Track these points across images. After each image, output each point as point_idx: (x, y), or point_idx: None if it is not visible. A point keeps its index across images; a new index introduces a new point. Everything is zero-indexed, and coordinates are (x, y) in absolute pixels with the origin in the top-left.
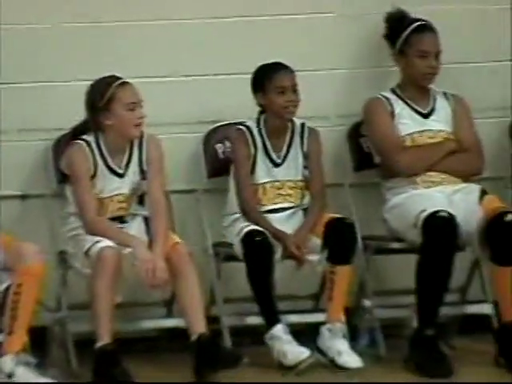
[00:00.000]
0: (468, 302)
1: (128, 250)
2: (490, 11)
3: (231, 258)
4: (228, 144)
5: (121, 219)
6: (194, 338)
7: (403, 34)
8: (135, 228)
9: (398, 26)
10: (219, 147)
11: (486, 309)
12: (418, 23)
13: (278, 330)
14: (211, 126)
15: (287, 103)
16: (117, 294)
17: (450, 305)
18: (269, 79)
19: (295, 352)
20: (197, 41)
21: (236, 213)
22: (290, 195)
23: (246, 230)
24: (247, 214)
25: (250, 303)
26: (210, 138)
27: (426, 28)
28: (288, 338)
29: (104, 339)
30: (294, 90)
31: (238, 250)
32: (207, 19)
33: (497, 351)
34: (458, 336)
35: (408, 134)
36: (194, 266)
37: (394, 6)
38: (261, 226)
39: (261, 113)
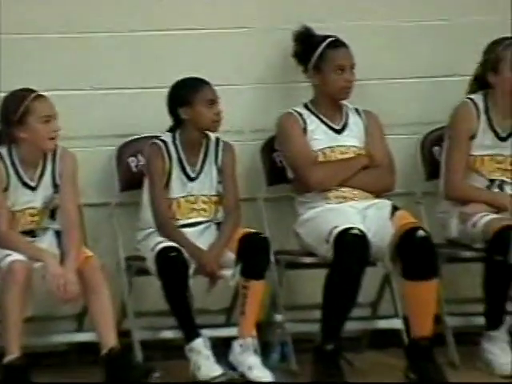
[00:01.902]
0: (379, 317)
1: (39, 263)
2: (403, 27)
3: (143, 271)
4: (141, 158)
5: (32, 233)
6: (104, 352)
7: (317, 50)
8: (46, 242)
9: (308, 44)
10: (132, 161)
11: (397, 324)
12: (332, 39)
13: (198, 343)
14: (125, 140)
15: (217, 116)
16: (26, 307)
17: (361, 319)
18: (196, 92)
19: (208, 368)
20: (111, 54)
21: (150, 227)
22: (204, 210)
23: (160, 245)
24: (162, 228)
25: (162, 317)
26: (123, 152)
27: (339, 43)
28: (206, 352)
29: (13, 353)
30: (218, 103)
31: (151, 264)
32: (121, 33)
33: (407, 366)
34: (368, 351)
35: (320, 150)
36: (106, 279)
37: (301, 24)
38: (175, 241)
39: (174, 127)
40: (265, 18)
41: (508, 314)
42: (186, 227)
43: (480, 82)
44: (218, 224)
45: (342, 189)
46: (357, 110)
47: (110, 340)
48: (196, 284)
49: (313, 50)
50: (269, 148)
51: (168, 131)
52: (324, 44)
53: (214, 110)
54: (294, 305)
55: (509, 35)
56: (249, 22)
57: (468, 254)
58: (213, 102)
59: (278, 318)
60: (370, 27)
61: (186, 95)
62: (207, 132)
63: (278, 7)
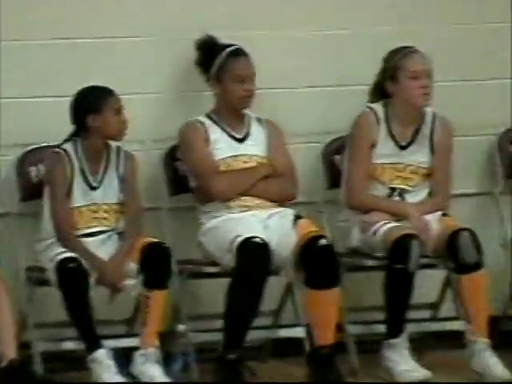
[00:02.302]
0: (281, 326)
1: None
2: (304, 37)
3: (44, 282)
4: (42, 167)
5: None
6: (3, 364)
7: (217, 59)
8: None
9: (210, 53)
10: (33, 170)
11: (299, 332)
12: (232, 48)
13: (100, 354)
14: (25, 149)
15: (123, 125)
16: None
17: (264, 328)
18: (105, 100)
19: (110, 379)
20: (13, 62)
21: (50, 238)
22: (105, 219)
23: (60, 256)
24: (62, 238)
25: (63, 328)
26: (23, 161)
27: (240, 52)
28: (108, 363)
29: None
30: (123, 112)
31: (51, 275)
32: (25, 41)
33: (308, 374)
34: (271, 359)
35: (223, 159)
36: (6, 290)
37: (205, 33)
38: (76, 251)
39: (75, 135)
40: (169, 27)
41: (408, 322)
42: (88, 236)
43: (380, 91)
44: (120, 233)
45: (245, 198)
46: (259, 120)
47: (10, 352)
48: (97, 294)
49: (214, 59)
50: (171, 157)
51: (67, 140)
52: (224, 53)
53: (121, 118)
54: (196, 314)
55: (407, 44)
56: (152, 31)
57: (369, 262)
58: (119, 110)
59: (181, 327)
60: (271, 36)
61: (95, 103)
62: (109, 141)
63: (182, 17)
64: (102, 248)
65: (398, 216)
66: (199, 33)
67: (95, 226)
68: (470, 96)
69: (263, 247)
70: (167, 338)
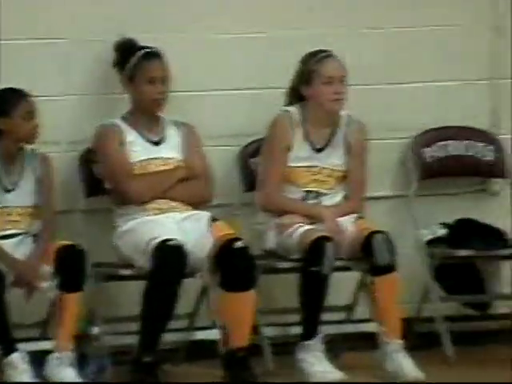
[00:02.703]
0: (196, 328)
1: None
2: (220, 40)
3: None
4: None
5: None
6: None
7: (132, 60)
8: None
9: (126, 54)
10: None
11: (214, 334)
12: (146, 50)
13: (16, 358)
14: None
15: (35, 129)
16: None
17: (179, 331)
18: (15, 104)
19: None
20: None
21: None
22: (19, 222)
23: None
24: None
25: None
26: None
27: (153, 54)
28: (23, 367)
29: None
30: (36, 115)
31: None
32: None
33: (223, 376)
34: (186, 362)
35: (138, 161)
36: None
37: (122, 34)
38: None
39: None
40: (85, 28)
41: (323, 324)
42: (2, 239)
43: (296, 94)
44: (35, 236)
45: (161, 201)
46: (175, 122)
47: None
48: (12, 297)
49: (128, 61)
50: (86, 159)
51: None
52: (138, 54)
53: (33, 122)
54: (112, 317)
55: (323, 47)
56: (69, 32)
57: (284, 264)
58: (31, 114)
59: (95, 330)
60: (188, 39)
61: (5, 106)
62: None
63: (99, 18)
64: (17, 251)
65: (313, 219)
66: (117, 34)
67: (9, 229)
68: (384, 99)
69: (179, 249)
70: (82, 341)
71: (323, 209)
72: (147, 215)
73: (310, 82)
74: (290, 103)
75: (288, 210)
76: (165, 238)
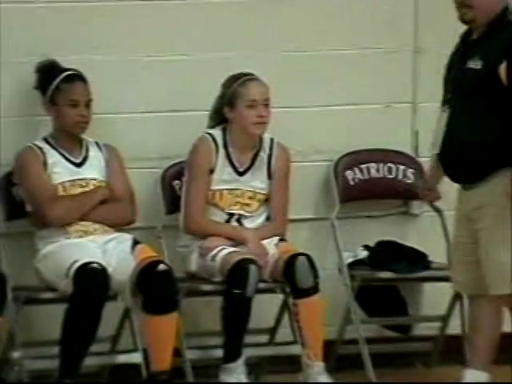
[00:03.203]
0: (119, 352)
1: None
2: (144, 61)
3: None
4: None
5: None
6: None
7: (53, 83)
8: None
9: (48, 76)
10: None
11: (136, 358)
12: (68, 72)
13: None
14: None
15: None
16: None
17: (101, 354)
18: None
19: None
20: None
21: None
22: None
23: None
24: None
25: None
26: None
27: (75, 77)
28: None
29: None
30: None
31: None
32: None
33: None
34: None
35: (60, 183)
36: None
37: (45, 56)
38: None
39: None
40: (8, 49)
41: (245, 346)
42: None
43: (219, 116)
44: None
45: (83, 223)
46: (97, 144)
47: None
48: None
49: (50, 83)
50: (7, 182)
51: None
52: (60, 77)
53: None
54: (32, 341)
55: (246, 70)
56: None
57: (207, 287)
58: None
59: (16, 354)
60: (110, 61)
61: None
62: None
63: (22, 39)
64: None
65: (236, 241)
66: (40, 56)
67: None
68: (307, 122)
69: (101, 273)
70: (1, 366)
71: (246, 231)
72: (69, 238)
73: (233, 104)
74: (213, 126)
75: (211, 232)
76: (86, 261)
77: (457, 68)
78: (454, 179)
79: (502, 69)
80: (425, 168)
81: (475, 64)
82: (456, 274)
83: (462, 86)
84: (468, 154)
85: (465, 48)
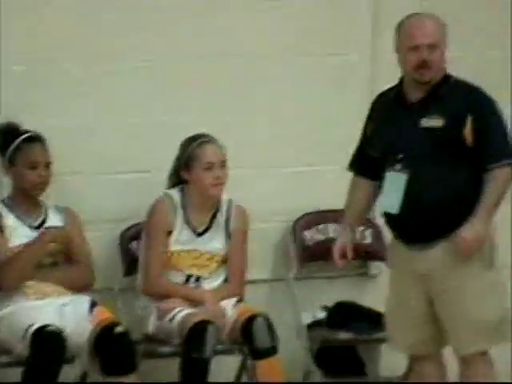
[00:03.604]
0: None
1: None
2: (99, 124)
3: None
4: None
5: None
6: None
7: (13, 144)
8: None
9: (7, 138)
10: None
11: None
12: (27, 134)
13: None
14: None
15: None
16: None
17: None
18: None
19: None
20: None
21: None
22: None
23: None
24: None
25: None
26: None
27: (34, 139)
28: None
29: None
30: None
31: None
32: None
33: None
34: None
35: (17, 247)
36: None
37: (6, 118)
38: None
39: None
40: None
41: None
42: None
43: (177, 178)
44: None
45: (40, 284)
46: (56, 207)
47: None
48: None
49: (9, 145)
50: None
51: None
52: (19, 138)
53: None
54: None
55: (203, 132)
56: None
57: (165, 349)
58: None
59: None
60: (67, 123)
61: None
62: None
63: None
64: None
65: (194, 302)
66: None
67: None
68: (265, 183)
69: (57, 336)
70: None
71: (204, 292)
72: (26, 300)
73: (190, 167)
74: (172, 186)
75: (170, 294)
76: (42, 324)
77: (402, 128)
78: (411, 240)
79: (468, 130)
80: (382, 229)
81: (436, 122)
82: (402, 335)
83: (420, 146)
84: (432, 213)
85: (405, 107)
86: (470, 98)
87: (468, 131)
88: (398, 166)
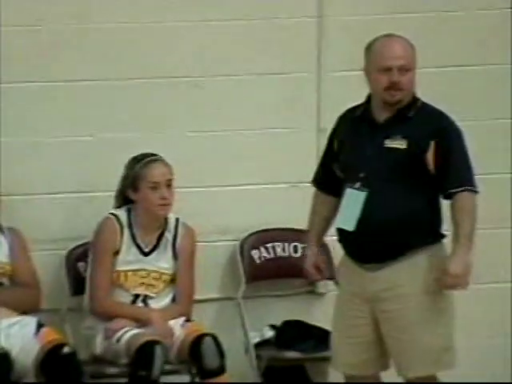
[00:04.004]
0: None
1: None
2: (44, 143)
3: None
4: None
5: None
6: None
7: None
8: None
9: None
10: None
11: None
12: None
13: None
14: None
15: None
16: None
17: None
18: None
19: None
20: None
21: None
22: None
23: None
24: None
25: None
26: None
27: None
28: None
29: None
30: None
31: None
32: None
33: None
34: None
35: None
36: None
37: None
38: None
39: None
40: None
41: None
42: None
43: (124, 197)
44: None
45: None
46: (0, 227)
47: None
48: None
49: None
50: None
51: None
52: None
53: None
54: None
55: (150, 151)
56: None
57: (112, 370)
58: None
59: None
60: (15, 142)
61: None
62: None
63: None
64: None
65: (141, 322)
66: None
67: None
68: (213, 202)
69: (4, 357)
70: None
71: (151, 312)
72: None
73: (136, 186)
74: (119, 206)
75: (117, 314)
76: None
77: (365, 147)
78: (363, 259)
79: (430, 154)
80: (331, 248)
81: (399, 144)
82: (346, 355)
83: (381, 166)
84: (385, 233)
85: (372, 127)
86: (436, 123)
87: (430, 155)
88: (358, 184)
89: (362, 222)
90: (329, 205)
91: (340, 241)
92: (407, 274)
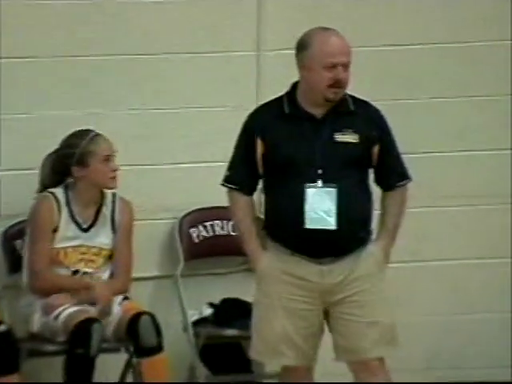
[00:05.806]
0: None
1: None
2: None
3: None
4: None
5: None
6: None
7: None
8: None
9: None
10: None
11: None
12: None
13: None
14: None
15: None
16: None
17: None
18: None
19: None
20: None
21: None
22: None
23: None
24: None
25: None
26: None
27: None
28: None
29: None
30: None
31: None
32: None
33: None
34: None
35: None
36: None
37: None
38: None
39: None
40: None
41: None
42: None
43: (60, 175)
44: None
45: None
46: None
47: None
48: None
49: None
50: None
51: None
52: None
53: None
54: None
55: (89, 127)
56: None
57: (50, 347)
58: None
59: None
60: None
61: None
62: None
63: None
64: None
65: (83, 294)
66: None
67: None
68: (153, 180)
69: None
70: None
71: (95, 283)
72: None
73: (85, 162)
74: (55, 185)
75: (59, 286)
76: None
77: (313, 143)
78: (321, 255)
79: (375, 148)
80: None
81: (352, 138)
82: (292, 345)
83: (336, 160)
84: (358, 227)
85: (312, 122)
86: (375, 116)
87: (375, 149)
88: (320, 182)
89: (338, 217)
90: (252, 206)
91: (290, 240)
92: (363, 261)
